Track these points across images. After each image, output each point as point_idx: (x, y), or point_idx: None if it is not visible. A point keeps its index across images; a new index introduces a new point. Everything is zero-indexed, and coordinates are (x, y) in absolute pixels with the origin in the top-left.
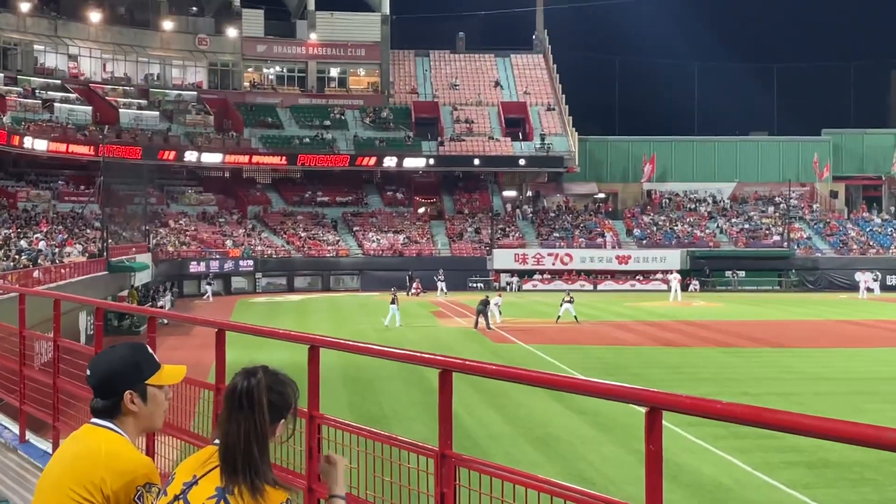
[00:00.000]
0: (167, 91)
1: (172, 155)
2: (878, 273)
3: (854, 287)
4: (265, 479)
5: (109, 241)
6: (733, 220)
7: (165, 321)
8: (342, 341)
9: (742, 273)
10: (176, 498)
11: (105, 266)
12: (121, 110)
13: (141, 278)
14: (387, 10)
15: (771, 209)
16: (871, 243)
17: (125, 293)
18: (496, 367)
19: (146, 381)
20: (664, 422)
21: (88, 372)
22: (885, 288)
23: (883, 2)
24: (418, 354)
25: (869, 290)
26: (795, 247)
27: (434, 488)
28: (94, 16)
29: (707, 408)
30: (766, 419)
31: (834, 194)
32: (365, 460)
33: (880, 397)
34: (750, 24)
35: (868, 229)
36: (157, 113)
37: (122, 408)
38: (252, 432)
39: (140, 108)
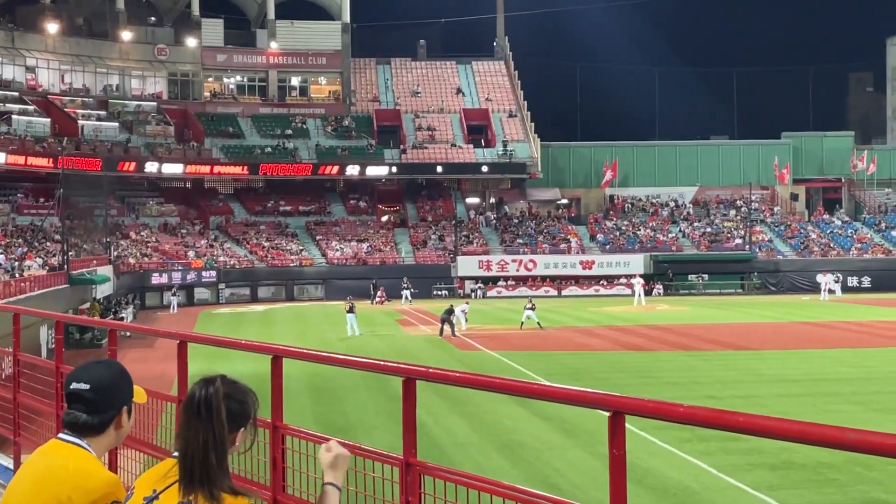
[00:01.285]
0: (127, 102)
1: (133, 166)
2: (839, 275)
3: (816, 289)
4: (222, 486)
5: (70, 253)
6: (695, 224)
7: (128, 333)
8: (305, 351)
9: (705, 276)
10: None
11: (66, 279)
12: (80, 122)
13: (102, 291)
14: (347, 18)
15: (732, 212)
16: (831, 245)
17: (87, 306)
18: (459, 374)
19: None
20: (630, 426)
21: (86, 385)
22: (846, 289)
23: (840, 5)
24: (381, 363)
25: (830, 291)
26: (757, 250)
27: (399, 497)
28: (52, 27)
29: (669, 411)
30: (727, 422)
31: (794, 197)
32: None
33: (843, 398)
34: (708, 30)
35: (828, 231)
36: (117, 124)
37: (115, 423)
38: (210, 440)
39: (99, 119)
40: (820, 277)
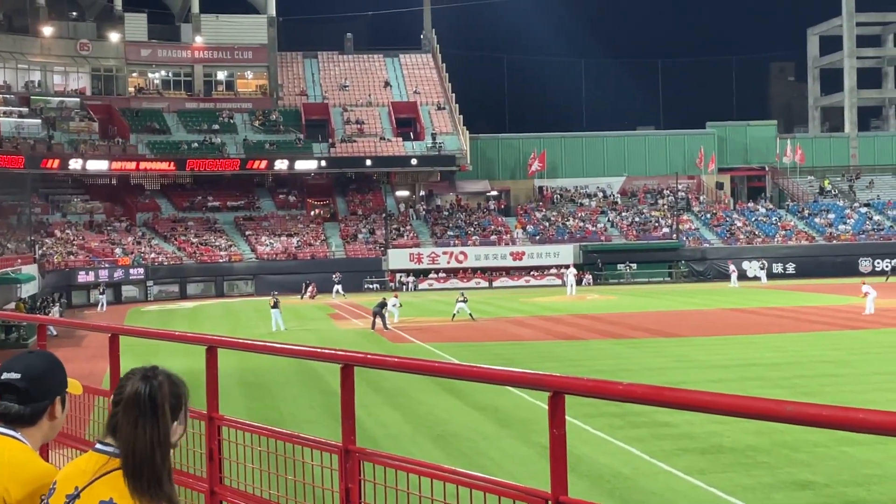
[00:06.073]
0: (49, 98)
1: (56, 163)
2: (764, 261)
3: (741, 276)
4: (171, 495)
5: None
6: (623, 214)
7: (55, 332)
8: (240, 341)
9: (634, 265)
10: None
11: None
12: (1, 119)
13: (27, 290)
14: (273, 11)
15: (660, 202)
16: (756, 232)
17: (12, 306)
18: (398, 359)
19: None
20: None
21: (18, 375)
22: (771, 276)
23: None
24: (320, 350)
25: (756, 277)
26: (684, 238)
27: (339, 484)
28: None
29: (609, 389)
30: (666, 398)
31: (720, 185)
32: (267, 460)
33: (771, 383)
34: (633, 21)
35: (753, 219)
36: (39, 121)
37: (49, 413)
38: (156, 439)
39: (21, 115)
40: (746, 264)
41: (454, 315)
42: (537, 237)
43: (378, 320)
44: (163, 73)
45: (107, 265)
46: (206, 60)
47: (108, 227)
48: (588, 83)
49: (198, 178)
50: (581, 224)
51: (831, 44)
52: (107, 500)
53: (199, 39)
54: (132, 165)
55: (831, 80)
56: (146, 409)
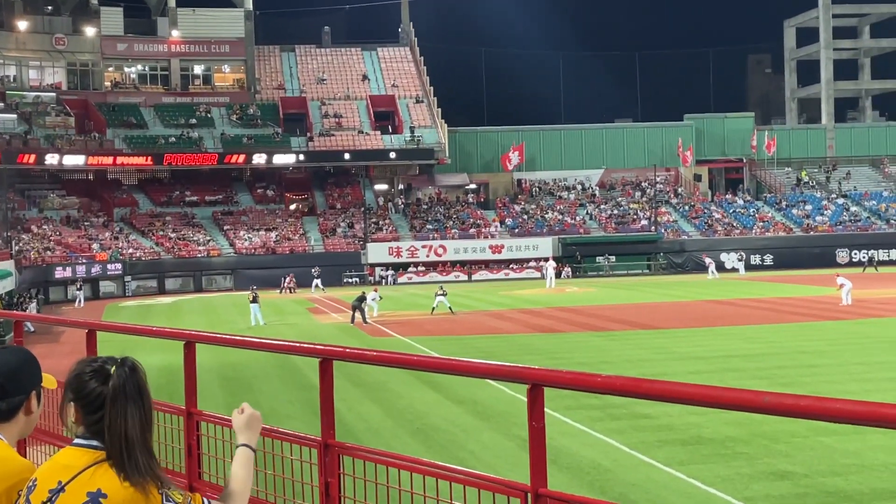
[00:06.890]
0: (25, 93)
1: (32, 158)
2: (742, 253)
3: (720, 267)
4: (153, 470)
5: None
6: (602, 207)
7: (32, 328)
8: (218, 336)
9: (613, 258)
10: None
11: None
12: None
13: (4, 286)
14: (250, 5)
15: (638, 194)
16: (734, 224)
17: None
18: (376, 353)
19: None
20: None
21: None
22: (749, 267)
23: None
24: (297, 345)
25: (734, 269)
26: (663, 230)
27: (318, 478)
28: None
29: (588, 381)
30: (645, 389)
31: (698, 178)
32: None
33: (749, 374)
34: (611, 14)
35: (731, 210)
36: (15, 116)
37: (24, 408)
38: (145, 419)
39: None
40: (724, 256)
41: (433, 308)
42: (516, 230)
43: (357, 314)
44: (139, 67)
45: (84, 261)
46: (182, 54)
47: (86, 223)
48: (566, 76)
49: (175, 173)
50: (560, 217)
51: (808, 36)
52: (94, 492)
53: (175, 33)
54: (109, 160)
55: (808, 72)
56: (134, 394)
